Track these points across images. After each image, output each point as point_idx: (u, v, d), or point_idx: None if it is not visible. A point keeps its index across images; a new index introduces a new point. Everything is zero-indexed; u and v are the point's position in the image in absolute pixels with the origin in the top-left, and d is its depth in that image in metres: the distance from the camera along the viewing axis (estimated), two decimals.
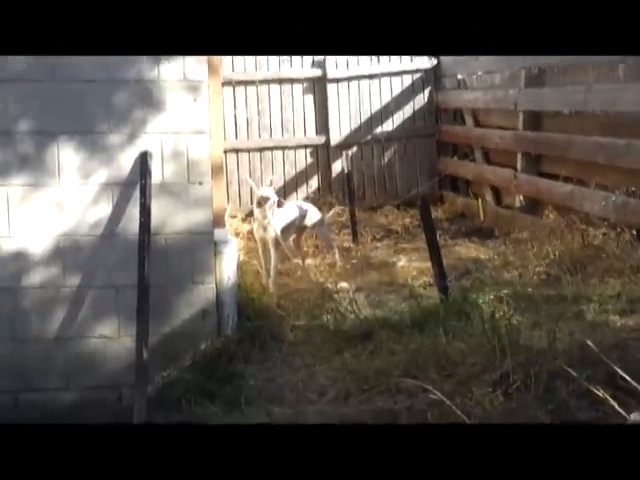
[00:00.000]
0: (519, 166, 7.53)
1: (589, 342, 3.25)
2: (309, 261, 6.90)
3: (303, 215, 6.73)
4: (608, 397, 2.95)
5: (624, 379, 2.98)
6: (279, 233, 6.18)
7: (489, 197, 8.35)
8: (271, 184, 6.68)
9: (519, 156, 7.54)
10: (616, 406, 2.90)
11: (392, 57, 9.64)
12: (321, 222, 6.92)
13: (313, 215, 6.85)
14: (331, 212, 7.50)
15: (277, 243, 6.22)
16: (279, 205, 6.28)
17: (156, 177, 4.62)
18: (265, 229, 6.23)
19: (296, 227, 6.64)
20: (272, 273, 6.15)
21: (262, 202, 6.21)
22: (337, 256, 6.84)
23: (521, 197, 7.56)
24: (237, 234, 7.56)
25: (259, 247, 6.46)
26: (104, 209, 4.61)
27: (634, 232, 5.39)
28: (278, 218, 6.28)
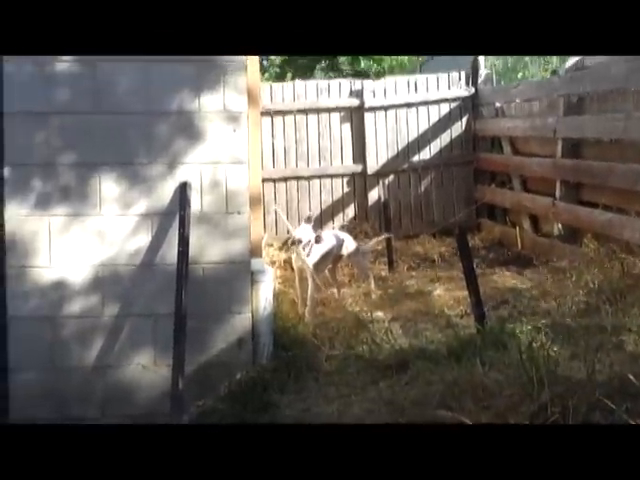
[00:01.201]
0: (558, 194, 7.47)
1: (629, 374, 3.21)
2: (345, 290, 6.90)
3: (340, 245, 6.75)
4: None
5: None
6: (313, 266, 6.21)
7: (527, 225, 8.29)
8: (309, 220, 6.66)
9: (558, 184, 7.48)
10: None
11: (429, 85, 9.67)
12: (356, 251, 6.93)
13: (349, 244, 6.86)
14: (373, 240, 7.48)
15: (314, 274, 6.24)
16: (317, 241, 6.31)
17: (195, 207, 4.68)
18: (303, 260, 6.27)
19: (332, 257, 6.65)
20: (309, 302, 6.16)
21: (297, 243, 6.25)
22: (372, 285, 6.83)
23: (560, 225, 7.50)
24: (273, 263, 7.59)
25: (296, 276, 6.49)
26: (143, 239, 4.68)
27: None
28: (315, 250, 6.30)
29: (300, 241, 6.24)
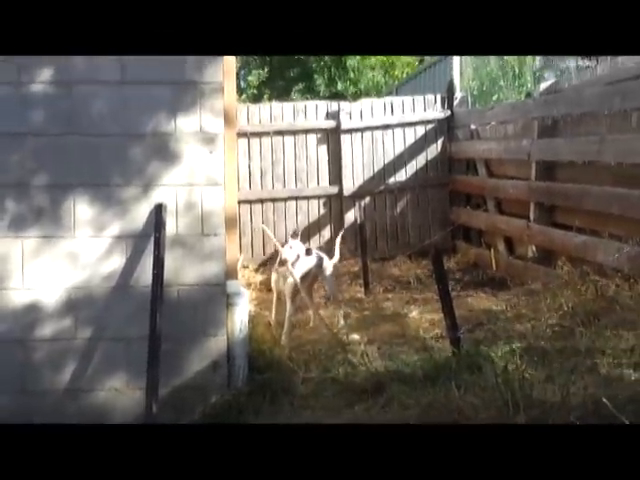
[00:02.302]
0: (532, 216, 7.53)
1: (603, 398, 3.22)
2: (322, 312, 6.88)
3: (319, 264, 6.74)
4: None
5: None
6: (300, 279, 6.19)
7: (502, 247, 8.34)
8: (295, 235, 6.63)
9: (532, 206, 7.54)
10: None
11: (405, 108, 9.74)
12: (332, 272, 6.93)
13: (327, 264, 6.85)
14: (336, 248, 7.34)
15: (294, 295, 6.22)
16: (308, 254, 6.32)
17: (170, 229, 4.66)
18: (284, 280, 6.25)
19: (312, 275, 6.64)
20: (286, 325, 6.14)
21: (285, 262, 6.23)
22: (341, 312, 6.75)
23: (534, 247, 7.55)
24: (249, 285, 7.57)
25: (274, 298, 6.47)
26: (117, 261, 4.64)
27: None
28: (302, 263, 6.30)
29: (286, 261, 6.22)
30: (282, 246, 6.39)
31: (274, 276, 6.52)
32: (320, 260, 6.79)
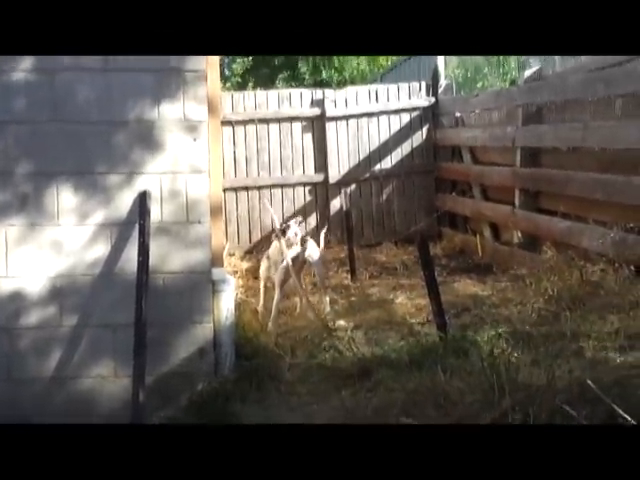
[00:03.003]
0: (517, 202, 7.56)
1: (588, 380, 3.24)
2: (310, 298, 6.87)
3: (307, 249, 6.72)
4: None
5: (624, 417, 2.96)
6: (291, 260, 6.19)
7: (487, 234, 8.37)
8: (298, 223, 6.68)
9: (517, 193, 7.57)
10: None
11: (390, 95, 9.73)
12: (320, 258, 6.91)
13: (315, 250, 6.83)
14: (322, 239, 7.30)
15: (283, 281, 6.21)
16: (302, 242, 6.32)
17: (155, 217, 4.64)
18: (275, 267, 6.23)
19: (301, 261, 6.62)
20: (273, 311, 6.13)
21: (289, 244, 6.26)
22: (327, 298, 6.75)
23: (519, 233, 7.58)
24: (235, 272, 7.56)
25: (261, 286, 6.46)
26: (102, 249, 4.62)
27: (632, 268, 5.38)
28: (291, 251, 6.31)
29: (290, 243, 6.23)
30: (282, 230, 6.38)
31: (265, 263, 6.51)
32: (307, 246, 6.78)
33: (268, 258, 6.52)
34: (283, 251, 6.19)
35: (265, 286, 6.47)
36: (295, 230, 6.43)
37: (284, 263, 6.19)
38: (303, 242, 6.36)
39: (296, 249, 6.41)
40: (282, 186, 9.57)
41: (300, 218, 6.88)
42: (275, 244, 6.49)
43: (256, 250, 9.01)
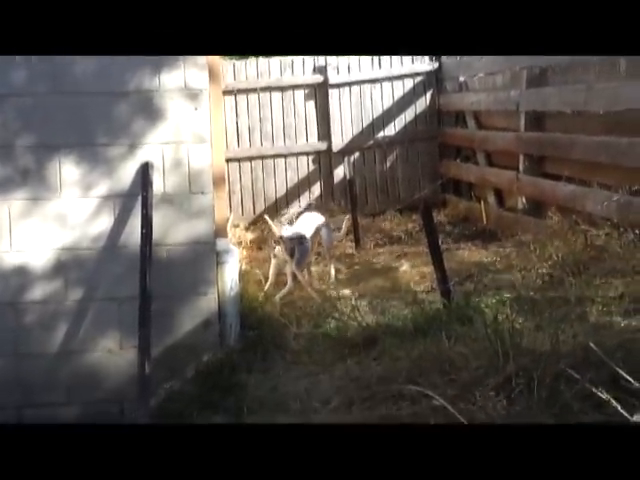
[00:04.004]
0: (521, 168, 7.50)
1: (592, 344, 3.24)
2: (313, 269, 6.85)
3: (317, 229, 6.69)
4: (611, 399, 2.93)
5: (628, 380, 2.96)
6: (297, 268, 6.14)
7: (492, 200, 8.32)
8: (290, 223, 6.66)
9: (521, 158, 7.51)
10: (619, 408, 2.89)
11: (393, 61, 9.64)
12: (327, 229, 6.87)
13: (322, 226, 6.75)
14: (344, 225, 7.37)
15: (295, 275, 6.18)
16: (300, 243, 6.24)
17: (157, 188, 4.63)
18: (285, 264, 6.21)
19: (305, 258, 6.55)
20: (284, 291, 6.10)
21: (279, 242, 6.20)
22: (332, 271, 6.76)
23: (524, 199, 7.54)
24: (239, 243, 7.55)
25: (272, 264, 6.37)
26: (106, 222, 4.62)
27: (637, 232, 5.35)
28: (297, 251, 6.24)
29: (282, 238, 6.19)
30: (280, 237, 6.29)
31: (274, 261, 6.39)
32: (318, 225, 6.73)
33: (275, 257, 6.39)
34: (287, 260, 6.16)
35: (277, 265, 6.36)
36: (290, 235, 6.32)
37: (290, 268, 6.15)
38: (302, 241, 6.28)
39: (307, 244, 6.39)
40: (285, 156, 9.52)
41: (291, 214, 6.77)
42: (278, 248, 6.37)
43: (260, 221, 9.01)
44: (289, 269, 6.19)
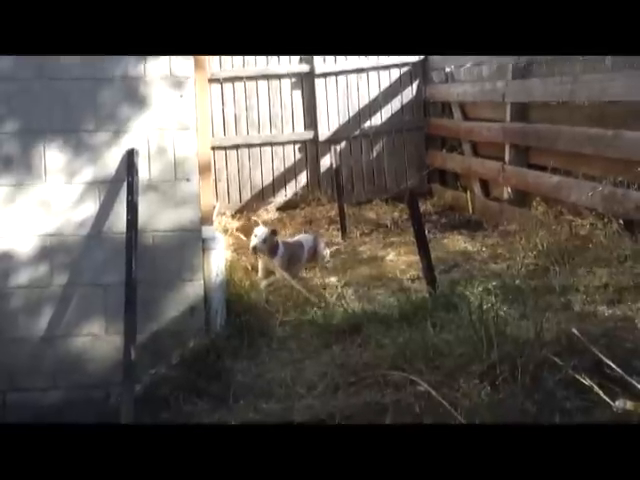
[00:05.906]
0: (507, 158, 7.54)
1: (575, 330, 3.26)
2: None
3: (311, 251, 6.64)
4: (594, 385, 2.96)
5: (610, 367, 2.99)
6: (285, 273, 6.08)
7: (477, 190, 8.36)
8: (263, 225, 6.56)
9: (507, 148, 7.55)
10: (602, 394, 2.91)
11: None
12: (322, 238, 6.91)
13: (318, 248, 6.73)
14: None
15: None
16: (274, 243, 6.20)
17: (143, 174, 4.61)
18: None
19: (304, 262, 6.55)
20: (272, 278, 6.09)
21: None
22: (327, 251, 6.76)
23: (509, 189, 7.58)
24: (225, 231, 7.54)
25: (260, 263, 6.31)
26: (90, 208, 4.60)
27: (621, 222, 5.40)
28: (286, 257, 6.23)
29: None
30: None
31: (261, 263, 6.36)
32: (310, 248, 6.65)
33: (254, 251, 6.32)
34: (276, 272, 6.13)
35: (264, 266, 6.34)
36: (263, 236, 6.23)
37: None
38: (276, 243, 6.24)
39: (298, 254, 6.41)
40: (272, 144, 9.50)
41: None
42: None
43: (246, 209, 9.01)
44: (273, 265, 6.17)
